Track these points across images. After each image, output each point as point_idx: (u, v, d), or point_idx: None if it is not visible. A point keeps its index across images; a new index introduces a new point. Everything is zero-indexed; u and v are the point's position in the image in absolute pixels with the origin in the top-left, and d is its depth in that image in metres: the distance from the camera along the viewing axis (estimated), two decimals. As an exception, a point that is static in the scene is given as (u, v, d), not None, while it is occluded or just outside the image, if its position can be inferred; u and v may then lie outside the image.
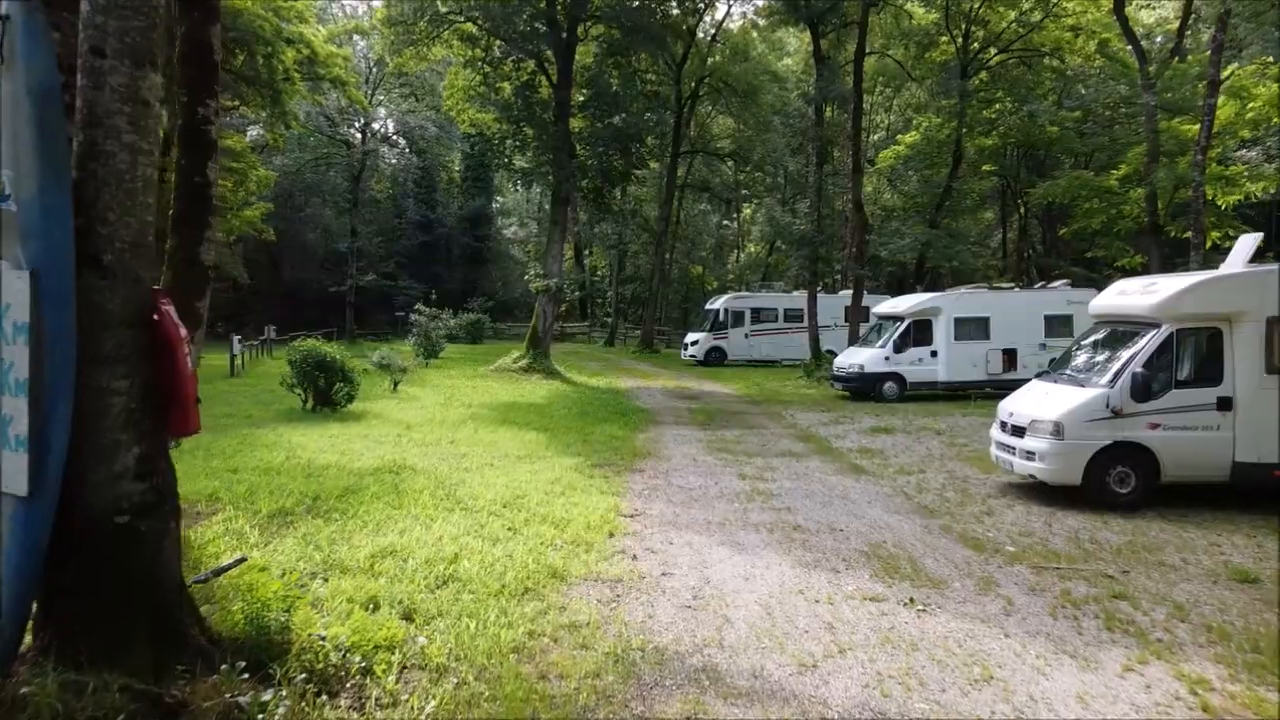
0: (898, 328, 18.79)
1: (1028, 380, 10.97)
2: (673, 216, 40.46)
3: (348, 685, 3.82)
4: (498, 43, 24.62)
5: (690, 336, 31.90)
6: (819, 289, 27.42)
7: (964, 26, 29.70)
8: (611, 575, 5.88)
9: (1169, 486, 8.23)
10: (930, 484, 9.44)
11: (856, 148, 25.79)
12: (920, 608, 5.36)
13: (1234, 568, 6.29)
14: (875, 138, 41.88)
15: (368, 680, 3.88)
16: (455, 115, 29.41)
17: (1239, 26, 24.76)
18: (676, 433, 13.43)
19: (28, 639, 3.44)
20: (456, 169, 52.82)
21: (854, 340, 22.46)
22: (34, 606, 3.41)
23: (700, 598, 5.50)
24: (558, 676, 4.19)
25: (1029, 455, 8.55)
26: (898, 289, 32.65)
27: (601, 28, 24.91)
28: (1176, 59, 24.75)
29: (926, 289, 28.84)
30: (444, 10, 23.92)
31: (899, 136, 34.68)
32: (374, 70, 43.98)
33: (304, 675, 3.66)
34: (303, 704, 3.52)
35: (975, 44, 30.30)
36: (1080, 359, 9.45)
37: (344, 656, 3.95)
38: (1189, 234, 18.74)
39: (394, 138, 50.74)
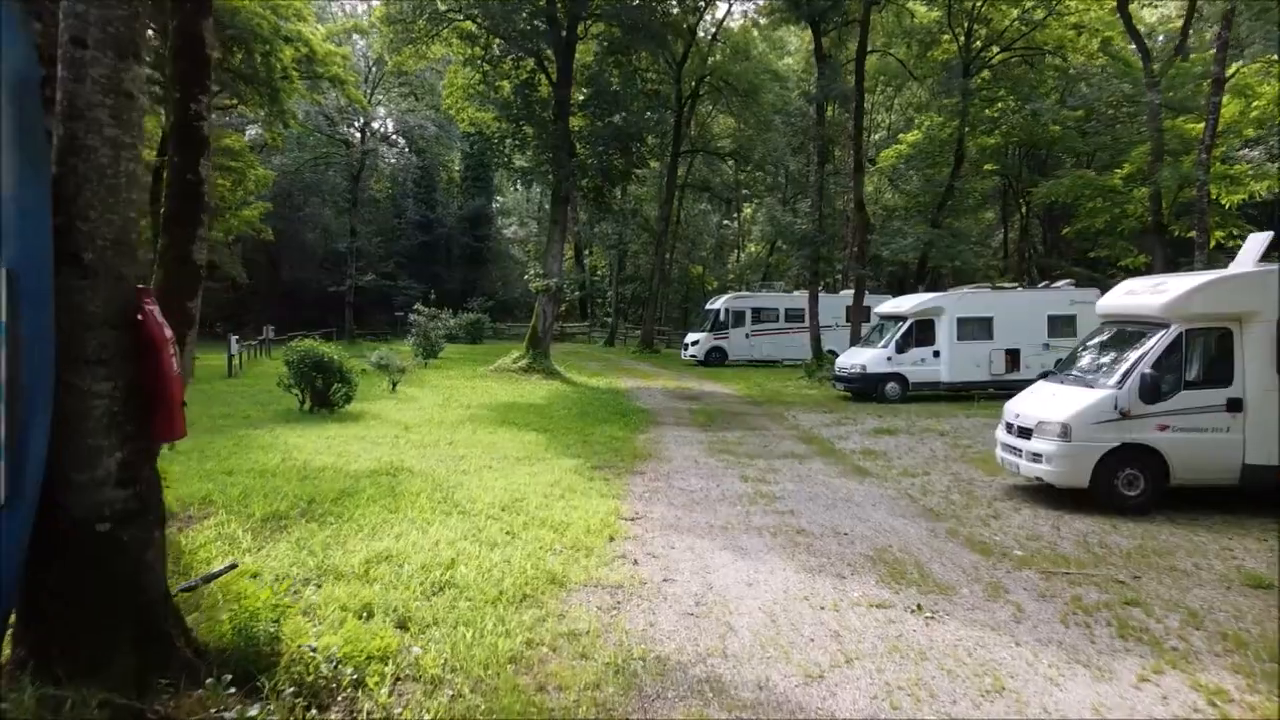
0: (900, 328, 18.66)
1: (1031, 381, 10.86)
2: (673, 216, 40.34)
3: (339, 699, 3.69)
4: (497, 41, 24.49)
5: (690, 336, 31.78)
6: (820, 289, 27.29)
7: (966, 25, 29.57)
8: (612, 581, 5.75)
9: (1177, 489, 8.11)
10: (935, 486, 9.31)
11: (858, 146, 25.68)
12: (928, 615, 5.23)
13: (1247, 573, 6.16)
14: (876, 137, 41.78)
15: (359, 693, 3.75)
16: (455, 114, 29.28)
17: (1241, 25, 24.63)
18: (677, 434, 13.31)
19: (5, 651, 3.31)
20: (456, 168, 52.69)
21: (856, 340, 22.35)
22: (12, 618, 3.28)
23: (703, 604, 5.37)
24: (556, 688, 4.06)
25: (1036, 457, 8.42)
26: (898, 289, 32.53)
27: (601, 26, 24.78)
28: (1179, 57, 24.61)
29: (928, 289, 28.71)
30: (443, 8, 23.79)
31: (900, 136, 34.57)
32: (373, 69, 43.83)
33: (293, 689, 3.53)
34: (291, 718, 3.40)
35: (978, 42, 30.16)
36: (1087, 359, 9.32)
37: (335, 668, 3.82)
38: (1193, 233, 18.62)
39: (393, 137, 50.62)
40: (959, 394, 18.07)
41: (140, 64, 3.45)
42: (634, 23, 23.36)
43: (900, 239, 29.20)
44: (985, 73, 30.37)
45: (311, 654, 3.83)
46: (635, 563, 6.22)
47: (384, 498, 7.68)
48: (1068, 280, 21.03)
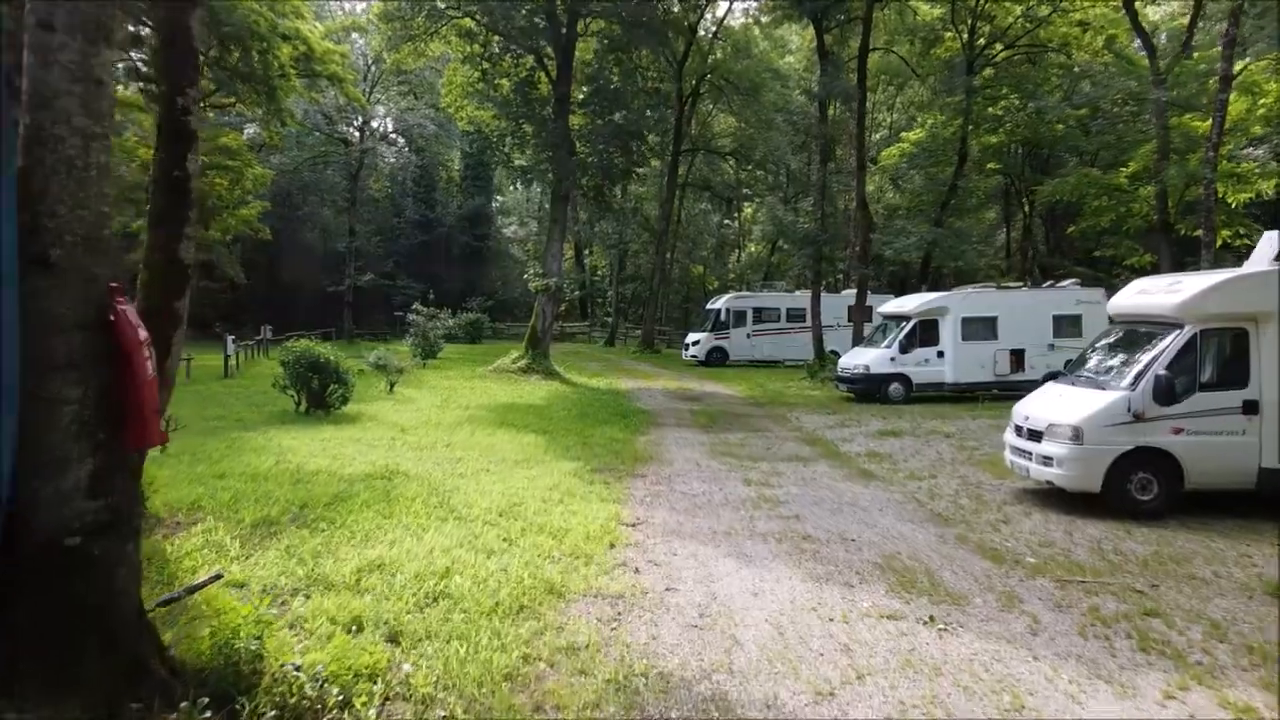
0: (904, 328, 18.45)
1: (1036, 381, 10.66)
2: (674, 215, 40.12)
3: (324, 721, 3.50)
4: (496, 38, 24.27)
5: (691, 336, 31.59)
6: (822, 288, 27.09)
7: (970, 22, 29.31)
8: (612, 591, 5.55)
9: (1191, 493, 7.91)
10: (943, 490, 9.12)
11: (861, 145, 25.48)
12: (941, 626, 5.04)
13: (1268, 581, 5.96)
14: (878, 136, 41.52)
15: (345, 715, 3.55)
16: (454, 112, 29.06)
17: (1245, 23, 24.40)
18: (678, 436, 13.11)
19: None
20: (455, 167, 52.42)
21: (858, 340, 22.15)
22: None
23: (707, 616, 5.18)
24: (554, 707, 3.86)
25: (1046, 460, 8.23)
26: (900, 289, 32.25)
27: (602, 23, 24.56)
28: (1184, 55, 24.40)
29: (930, 289, 28.49)
30: (442, 5, 23.57)
31: (903, 134, 34.33)
32: (372, 67, 43.56)
33: (274, 712, 3.34)
34: (272, 744, 3.21)
35: (981, 40, 29.89)
36: (1098, 360, 9.12)
37: (320, 688, 3.62)
38: (1199, 232, 18.41)
39: (392, 136, 50.32)
40: (963, 395, 17.87)
41: (112, 49, 3.26)
42: (634, 20, 23.15)
43: (903, 238, 28.95)
44: (988, 70, 30.11)
45: (295, 673, 3.63)
46: (636, 571, 6.03)
47: (378, 502, 7.48)
48: (1073, 280, 20.82)
